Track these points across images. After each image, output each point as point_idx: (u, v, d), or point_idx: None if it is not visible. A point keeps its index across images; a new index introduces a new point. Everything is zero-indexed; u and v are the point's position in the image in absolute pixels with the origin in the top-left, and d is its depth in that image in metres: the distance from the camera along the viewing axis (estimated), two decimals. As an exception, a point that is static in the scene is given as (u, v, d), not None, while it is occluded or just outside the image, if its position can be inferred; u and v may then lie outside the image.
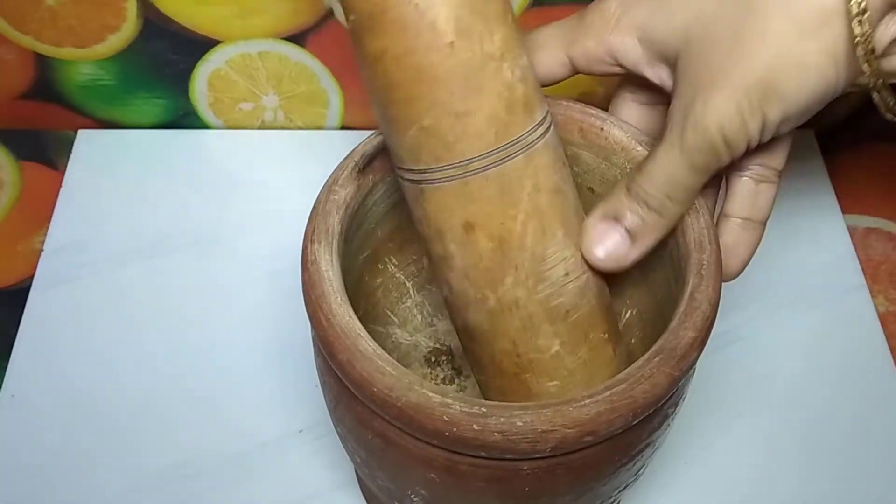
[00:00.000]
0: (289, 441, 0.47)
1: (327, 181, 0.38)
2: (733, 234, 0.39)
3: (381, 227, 0.41)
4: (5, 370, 0.50)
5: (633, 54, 0.37)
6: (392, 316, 0.45)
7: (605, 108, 0.61)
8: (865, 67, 0.32)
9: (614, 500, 0.39)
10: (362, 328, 0.34)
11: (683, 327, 0.33)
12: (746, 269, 0.54)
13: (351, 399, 0.34)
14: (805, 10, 0.32)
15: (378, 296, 0.44)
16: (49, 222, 0.56)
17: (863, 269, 0.55)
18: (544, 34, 0.39)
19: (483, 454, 0.32)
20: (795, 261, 0.55)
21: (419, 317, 0.41)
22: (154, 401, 0.49)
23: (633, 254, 0.37)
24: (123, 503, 0.45)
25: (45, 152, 0.60)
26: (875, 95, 0.34)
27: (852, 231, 0.57)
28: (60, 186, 0.58)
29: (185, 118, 0.61)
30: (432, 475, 0.34)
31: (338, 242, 0.36)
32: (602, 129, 0.40)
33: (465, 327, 0.38)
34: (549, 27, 0.39)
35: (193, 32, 0.56)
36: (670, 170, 0.35)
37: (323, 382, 0.37)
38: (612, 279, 0.44)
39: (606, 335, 0.38)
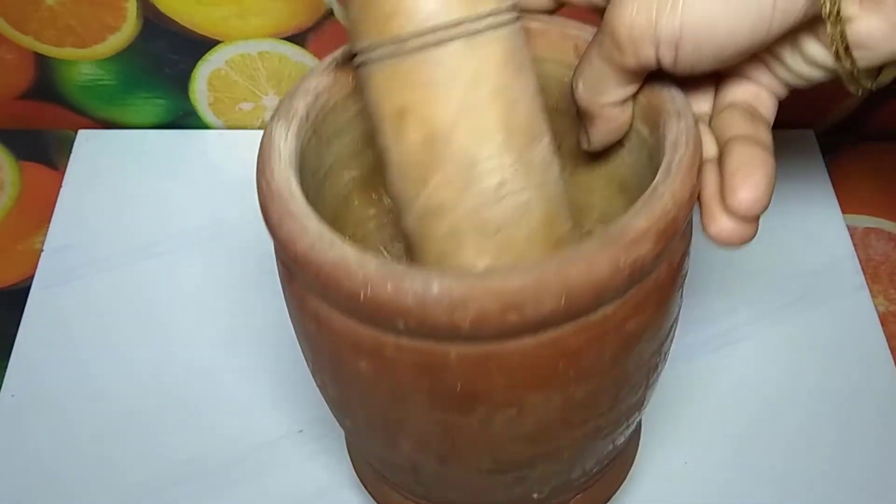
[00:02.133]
0: (289, 441, 0.47)
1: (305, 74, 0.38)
2: (736, 152, 0.34)
3: (371, 148, 0.39)
4: (5, 370, 0.50)
5: None
6: (385, 253, 0.44)
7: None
8: (829, 30, 0.31)
9: (590, 453, 0.37)
10: (300, 194, 0.33)
11: (637, 215, 0.31)
12: (746, 267, 0.54)
13: (291, 279, 0.34)
14: None
15: (370, 227, 0.43)
16: (49, 222, 0.56)
17: (863, 269, 0.55)
18: None
19: (401, 325, 0.30)
20: (795, 261, 0.55)
21: None
22: (154, 400, 0.49)
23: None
24: (124, 503, 0.46)
25: (45, 152, 0.60)
26: (835, 60, 0.33)
27: (852, 231, 0.57)
28: (60, 186, 0.58)
29: (185, 118, 0.61)
30: (363, 364, 0.32)
31: (299, 124, 0.36)
32: None
33: (405, 236, 0.37)
34: None
35: (193, 32, 0.56)
36: (589, 52, 0.35)
37: (280, 276, 0.36)
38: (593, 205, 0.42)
39: None
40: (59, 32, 0.56)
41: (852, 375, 0.50)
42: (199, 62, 0.58)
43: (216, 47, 0.57)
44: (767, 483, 0.47)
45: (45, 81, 0.59)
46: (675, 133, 0.34)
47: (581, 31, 0.38)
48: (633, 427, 0.40)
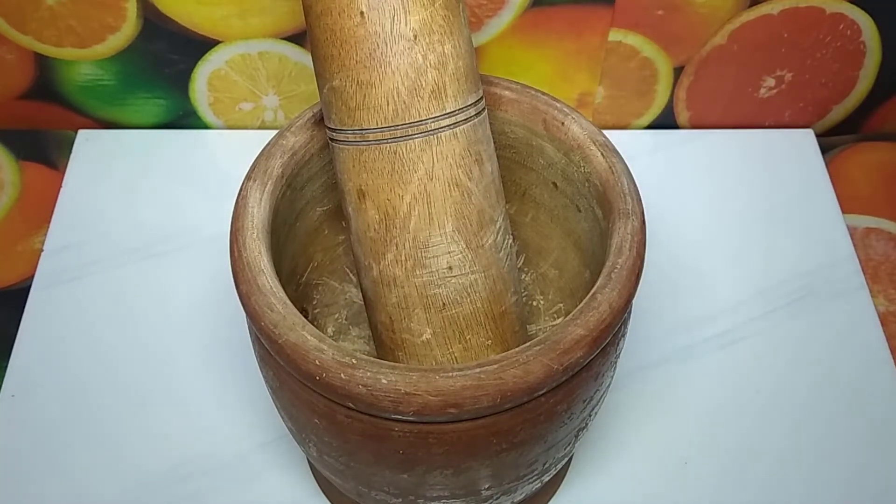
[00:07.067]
0: (286, 442, 0.48)
1: (283, 127, 0.39)
2: None
3: None
4: (5, 370, 0.50)
5: None
6: (352, 275, 0.45)
7: (605, 108, 0.61)
8: None
9: (518, 493, 0.39)
10: (271, 268, 0.35)
11: (574, 323, 0.33)
12: (746, 267, 0.55)
13: (257, 339, 0.36)
14: None
15: (339, 252, 0.45)
16: (49, 222, 0.56)
17: (863, 269, 0.55)
18: None
19: (350, 405, 0.33)
20: (795, 261, 0.55)
21: None
22: (154, 400, 0.49)
23: None
24: (122, 502, 0.46)
25: (45, 152, 0.60)
26: None
27: (852, 231, 0.57)
28: (60, 186, 0.58)
29: (185, 118, 0.61)
30: (316, 420, 0.35)
31: (275, 184, 0.38)
32: (563, 122, 0.39)
33: (362, 291, 0.39)
34: None
35: (193, 32, 0.56)
36: None
37: (248, 326, 0.38)
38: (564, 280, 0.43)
39: (491, 342, 0.38)
40: (59, 32, 0.56)
41: (852, 375, 0.50)
42: (199, 62, 0.58)
43: (216, 47, 0.57)
44: (767, 482, 0.47)
45: (45, 81, 0.59)
46: (621, 236, 0.36)
47: (549, 108, 0.40)
48: (561, 466, 0.42)
